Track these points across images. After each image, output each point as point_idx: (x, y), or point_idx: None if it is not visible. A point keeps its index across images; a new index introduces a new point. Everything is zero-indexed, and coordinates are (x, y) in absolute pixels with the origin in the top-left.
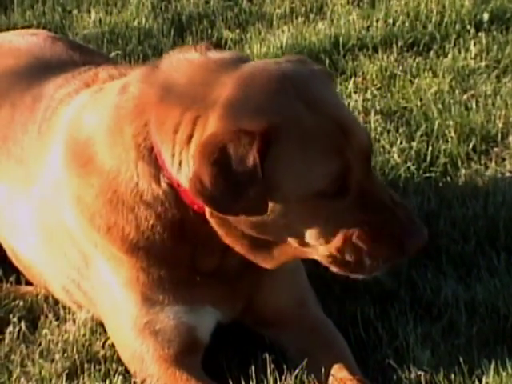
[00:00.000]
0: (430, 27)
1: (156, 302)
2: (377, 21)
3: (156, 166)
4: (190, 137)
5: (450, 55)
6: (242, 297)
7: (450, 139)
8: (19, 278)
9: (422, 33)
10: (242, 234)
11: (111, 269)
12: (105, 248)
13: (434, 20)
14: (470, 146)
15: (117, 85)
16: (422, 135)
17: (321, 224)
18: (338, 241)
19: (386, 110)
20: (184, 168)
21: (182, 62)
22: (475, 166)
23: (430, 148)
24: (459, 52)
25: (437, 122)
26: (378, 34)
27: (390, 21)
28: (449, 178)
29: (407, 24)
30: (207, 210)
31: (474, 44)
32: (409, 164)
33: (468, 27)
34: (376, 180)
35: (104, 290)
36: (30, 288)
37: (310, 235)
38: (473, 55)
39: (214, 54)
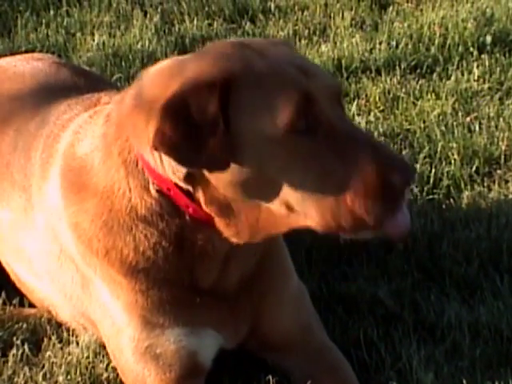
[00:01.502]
0: (432, 49)
1: (156, 324)
2: (380, 43)
3: (144, 177)
4: None
5: (452, 77)
6: (244, 320)
7: (453, 161)
8: (22, 300)
9: (424, 55)
10: (237, 214)
11: (111, 292)
12: (104, 272)
13: (436, 42)
14: (473, 168)
15: (103, 113)
16: (425, 157)
17: (301, 169)
18: (325, 195)
19: (389, 132)
20: (165, 159)
21: (151, 71)
22: (478, 188)
23: (433, 170)
24: (462, 74)
25: (440, 144)
26: (380, 57)
27: (393, 43)
28: (452, 200)
29: (410, 46)
30: (203, 200)
31: (477, 66)
32: (412, 186)
33: (471, 49)
34: (352, 122)
35: (105, 314)
36: (33, 310)
37: (294, 186)
38: (476, 77)
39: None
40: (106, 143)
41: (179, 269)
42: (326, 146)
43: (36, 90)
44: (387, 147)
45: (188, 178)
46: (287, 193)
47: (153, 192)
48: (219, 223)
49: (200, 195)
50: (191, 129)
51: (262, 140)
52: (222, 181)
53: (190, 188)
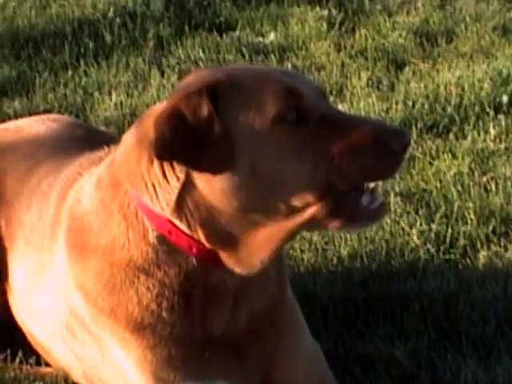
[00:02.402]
0: (449, 109)
1: (167, 381)
2: (396, 103)
3: (144, 226)
4: (151, 153)
5: (469, 137)
6: (255, 369)
7: (469, 221)
8: (39, 359)
9: (441, 115)
10: (237, 236)
11: (122, 350)
12: (113, 330)
13: (453, 102)
14: (490, 228)
15: (95, 179)
16: (441, 217)
17: (296, 156)
18: (322, 171)
19: (405, 191)
20: (158, 190)
21: (136, 122)
22: (495, 248)
23: (449, 230)
24: (478, 134)
25: (456, 204)
26: (397, 116)
27: (410, 103)
28: (468, 260)
29: (426, 106)
30: (202, 235)
31: (494, 126)
32: (428, 246)
33: (487, 109)
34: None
35: (118, 372)
36: (49, 369)
37: (291, 175)
38: (492, 137)
39: None
40: (104, 207)
41: (188, 319)
42: (319, 131)
43: (50, 150)
44: (380, 121)
45: (180, 208)
46: (284, 186)
47: (151, 238)
48: (223, 255)
49: (198, 230)
50: (189, 129)
51: (254, 136)
52: (216, 192)
53: (186, 225)
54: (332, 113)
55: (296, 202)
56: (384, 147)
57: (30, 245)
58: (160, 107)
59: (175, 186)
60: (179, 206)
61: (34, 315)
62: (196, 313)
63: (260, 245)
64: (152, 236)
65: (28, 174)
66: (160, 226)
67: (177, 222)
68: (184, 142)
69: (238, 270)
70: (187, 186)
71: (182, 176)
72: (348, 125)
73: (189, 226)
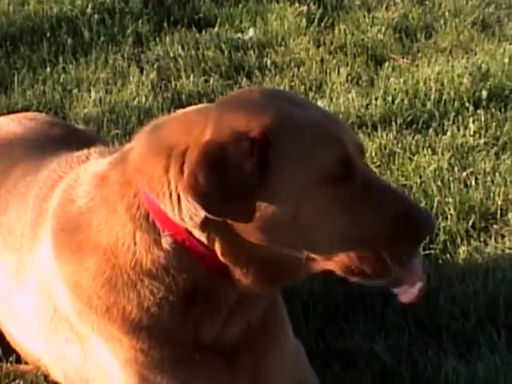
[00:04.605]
0: (428, 105)
1: (154, 383)
2: (376, 99)
3: (155, 230)
4: (182, 165)
5: (448, 132)
6: (246, 375)
7: (449, 216)
8: (19, 357)
9: (420, 110)
10: (255, 262)
11: (109, 350)
12: (102, 329)
13: (432, 98)
14: (470, 223)
15: (96, 174)
16: None
17: (337, 214)
18: (355, 240)
19: None
20: (184, 203)
21: (163, 121)
22: (475, 243)
23: None
24: (458, 129)
25: (436, 199)
26: (376, 112)
27: (389, 99)
28: (448, 255)
29: (406, 102)
30: (219, 249)
31: (473, 121)
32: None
33: (467, 105)
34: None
35: (101, 372)
36: (29, 367)
37: (327, 231)
38: (472, 132)
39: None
40: (107, 205)
41: (184, 324)
42: (362, 194)
43: (27, 150)
44: (412, 200)
45: (205, 224)
46: (317, 237)
47: (164, 245)
48: (235, 273)
49: (216, 245)
50: (225, 180)
51: (303, 187)
52: (251, 226)
53: (205, 238)
54: (373, 177)
55: (321, 251)
56: (415, 229)
57: (8, 246)
58: (189, 114)
59: None
60: (204, 222)
61: (12, 316)
62: (192, 318)
63: (279, 274)
64: (165, 242)
65: (4, 174)
66: (174, 233)
67: (196, 232)
68: (215, 191)
69: (248, 289)
70: None
71: None
72: (387, 193)
73: (208, 239)
